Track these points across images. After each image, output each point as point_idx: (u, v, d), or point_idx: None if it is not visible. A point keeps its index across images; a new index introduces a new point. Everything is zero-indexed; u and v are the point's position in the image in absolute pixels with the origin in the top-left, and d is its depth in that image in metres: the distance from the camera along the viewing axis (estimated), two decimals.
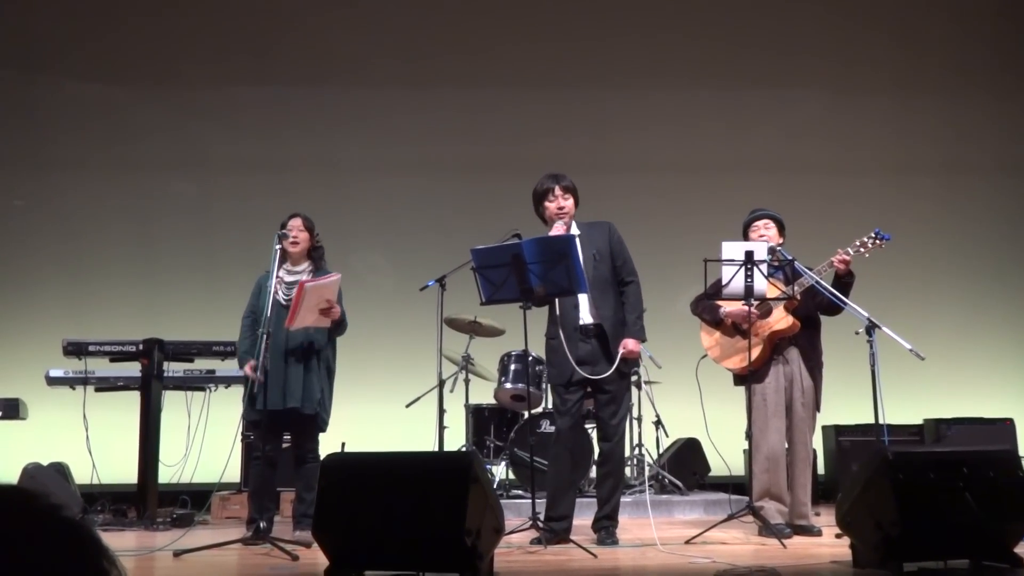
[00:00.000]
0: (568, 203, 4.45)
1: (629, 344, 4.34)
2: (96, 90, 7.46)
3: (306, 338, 4.60)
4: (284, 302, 4.52)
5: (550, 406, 4.92)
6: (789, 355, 4.68)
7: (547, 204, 4.45)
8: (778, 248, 4.68)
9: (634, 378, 6.21)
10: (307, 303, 4.37)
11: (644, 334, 4.44)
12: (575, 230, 4.45)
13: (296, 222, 4.70)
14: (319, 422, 4.65)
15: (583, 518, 4.91)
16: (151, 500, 5.46)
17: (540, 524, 4.25)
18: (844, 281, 4.54)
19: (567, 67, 7.66)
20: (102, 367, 5.63)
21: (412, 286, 4.84)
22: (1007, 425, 6.48)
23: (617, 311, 4.40)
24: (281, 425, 4.63)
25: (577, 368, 4.26)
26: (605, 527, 4.37)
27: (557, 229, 4.40)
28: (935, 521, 3.21)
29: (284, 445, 4.97)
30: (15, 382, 5.98)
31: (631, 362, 4.51)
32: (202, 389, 5.68)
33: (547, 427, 5.68)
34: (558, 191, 4.43)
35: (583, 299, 4.37)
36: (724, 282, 4.43)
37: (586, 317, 4.39)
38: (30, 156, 7.36)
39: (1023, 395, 7.41)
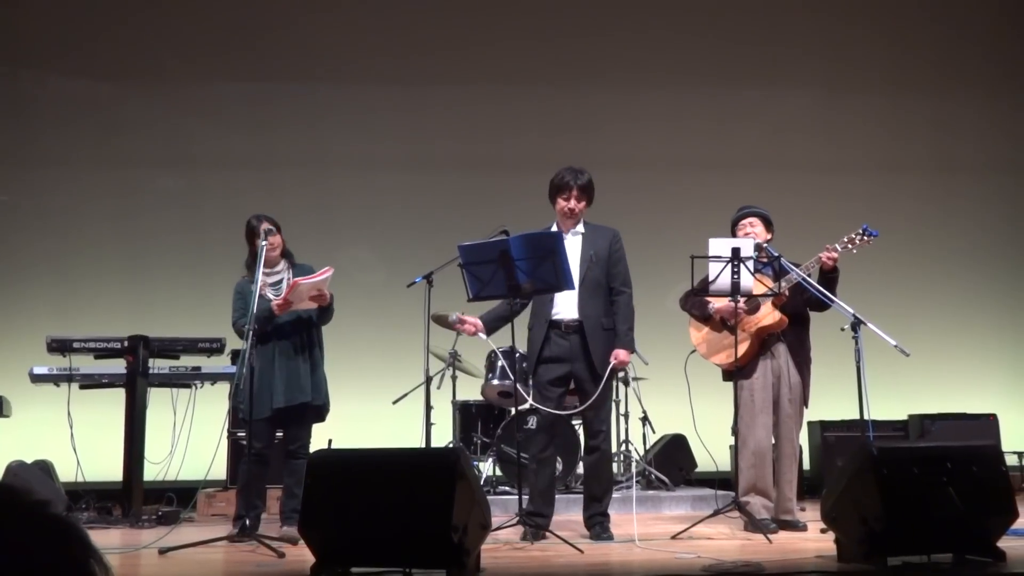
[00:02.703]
0: (580, 206, 4.46)
1: (621, 355, 4.38)
2: (82, 86, 7.40)
3: (306, 331, 4.63)
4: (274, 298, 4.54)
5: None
6: (777, 351, 4.70)
7: (560, 200, 4.47)
8: (765, 245, 4.70)
9: (620, 375, 6.24)
10: (296, 297, 4.44)
11: (634, 345, 4.50)
12: (581, 228, 4.49)
13: (268, 227, 4.53)
14: (323, 413, 4.70)
15: (571, 514, 4.91)
16: (136, 497, 5.43)
17: (528, 521, 4.26)
18: (829, 276, 4.57)
19: (555, 64, 7.65)
20: (87, 364, 5.59)
21: (399, 282, 4.83)
22: (990, 420, 6.54)
23: (601, 315, 4.41)
24: (281, 422, 4.63)
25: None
26: (599, 522, 4.38)
27: (568, 228, 4.43)
28: (919, 516, 3.23)
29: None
30: None
31: (616, 369, 4.53)
32: (188, 386, 5.64)
33: (534, 424, 5.67)
34: (575, 192, 4.43)
35: (566, 294, 4.36)
36: (711, 279, 4.44)
37: (567, 312, 4.39)
38: (15, 152, 7.29)
39: (1007, 391, 7.47)
